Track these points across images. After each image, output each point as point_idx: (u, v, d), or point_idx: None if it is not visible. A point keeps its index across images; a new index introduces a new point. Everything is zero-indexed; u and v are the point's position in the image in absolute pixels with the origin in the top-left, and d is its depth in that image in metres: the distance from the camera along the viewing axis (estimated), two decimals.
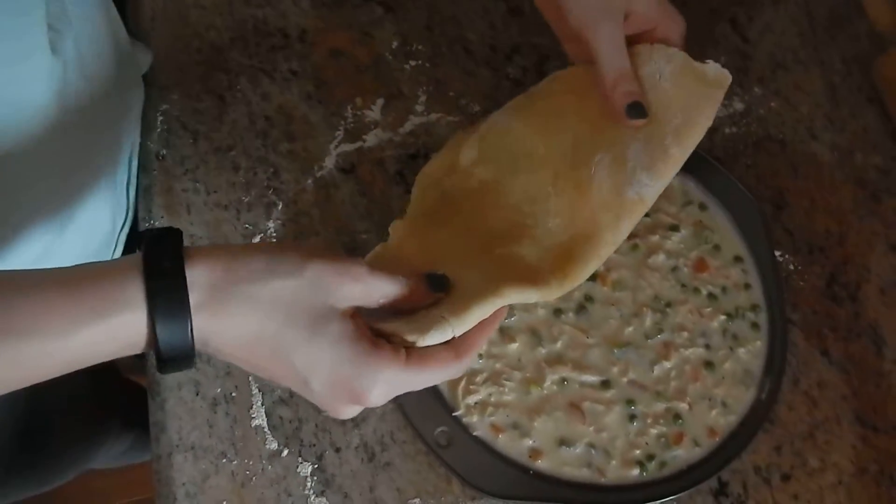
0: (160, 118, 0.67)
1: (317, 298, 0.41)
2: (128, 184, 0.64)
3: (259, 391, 0.58)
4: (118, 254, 0.66)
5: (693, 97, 0.53)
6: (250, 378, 0.58)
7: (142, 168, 0.65)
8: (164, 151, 0.65)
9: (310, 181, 0.65)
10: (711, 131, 0.68)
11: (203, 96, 0.68)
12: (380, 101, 0.68)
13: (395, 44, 0.71)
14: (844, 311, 0.62)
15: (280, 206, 0.64)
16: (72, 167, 0.55)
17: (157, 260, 0.39)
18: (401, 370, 0.42)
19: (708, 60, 0.54)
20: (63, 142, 0.51)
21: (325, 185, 0.65)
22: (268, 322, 0.41)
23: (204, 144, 0.66)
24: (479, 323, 0.46)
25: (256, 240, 0.63)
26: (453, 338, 0.45)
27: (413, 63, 0.70)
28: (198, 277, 0.40)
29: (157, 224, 0.63)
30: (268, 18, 0.72)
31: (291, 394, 0.58)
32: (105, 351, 0.39)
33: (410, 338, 0.44)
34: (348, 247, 0.63)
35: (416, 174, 0.65)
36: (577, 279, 0.55)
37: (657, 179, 0.53)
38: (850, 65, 0.72)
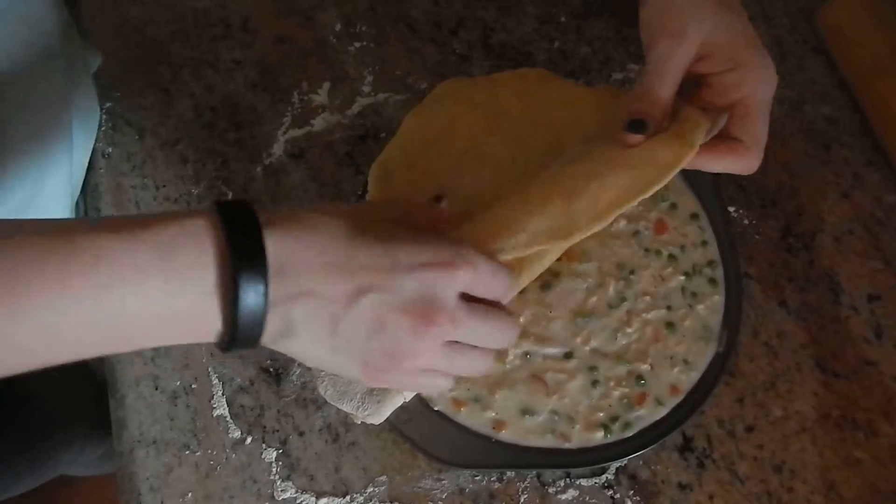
0: (104, 116, 0.66)
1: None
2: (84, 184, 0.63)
3: (219, 381, 0.58)
4: None
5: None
6: (209, 368, 0.58)
7: (87, 167, 0.64)
8: (110, 149, 0.65)
9: (259, 169, 0.65)
10: None
11: (146, 91, 0.67)
12: (326, 85, 0.68)
13: (338, 26, 0.71)
14: (800, 261, 0.62)
15: (230, 196, 0.64)
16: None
17: (226, 207, 0.39)
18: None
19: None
20: None
21: (274, 171, 0.65)
22: (337, 214, 0.41)
23: (150, 140, 0.66)
24: None
25: None
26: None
27: (357, 44, 0.70)
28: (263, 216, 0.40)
29: None
30: (208, 9, 0.71)
31: (252, 381, 0.58)
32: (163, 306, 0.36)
33: None
34: None
35: (365, 155, 0.65)
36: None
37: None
38: (795, 18, 0.72)
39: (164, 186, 0.64)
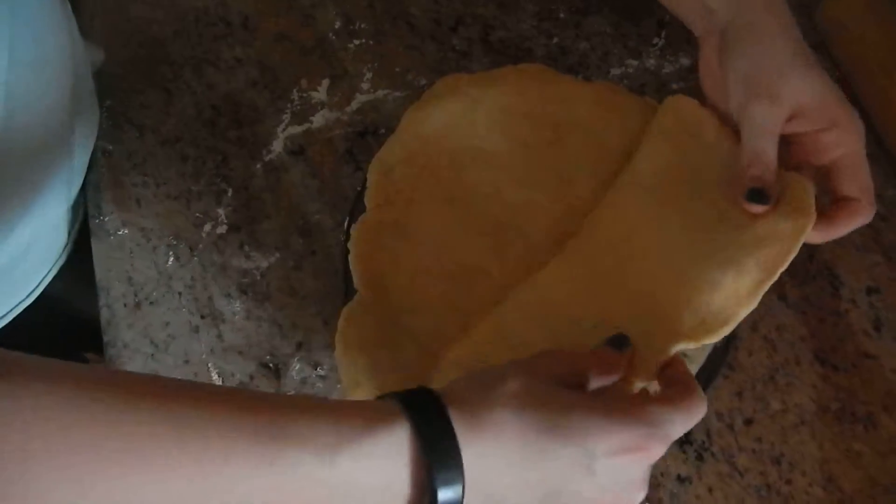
0: (104, 114, 0.66)
1: (541, 379, 0.41)
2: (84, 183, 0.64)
3: (219, 376, 0.58)
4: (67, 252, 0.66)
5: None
6: (209, 364, 0.58)
7: (88, 165, 0.64)
8: (111, 147, 0.65)
9: (259, 166, 0.65)
10: (658, 88, 0.68)
11: (147, 90, 0.68)
12: (325, 82, 0.68)
13: (337, 24, 0.71)
14: (799, 254, 0.62)
15: (230, 193, 0.64)
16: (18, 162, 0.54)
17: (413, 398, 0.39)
18: (665, 405, 0.42)
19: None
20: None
21: (274, 168, 0.65)
22: (520, 410, 0.39)
23: (150, 137, 0.66)
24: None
25: (207, 228, 0.63)
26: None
27: (357, 42, 0.70)
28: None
29: (107, 220, 0.63)
30: (209, 8, 0.72)
31: (252, 376, 0.58)
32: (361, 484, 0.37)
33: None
34: (302, 229, 0.63)
35: (365, 152, 0.66)
36: None
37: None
38: (796, 13, 0.71)
39: (165, 184, 0.64)
